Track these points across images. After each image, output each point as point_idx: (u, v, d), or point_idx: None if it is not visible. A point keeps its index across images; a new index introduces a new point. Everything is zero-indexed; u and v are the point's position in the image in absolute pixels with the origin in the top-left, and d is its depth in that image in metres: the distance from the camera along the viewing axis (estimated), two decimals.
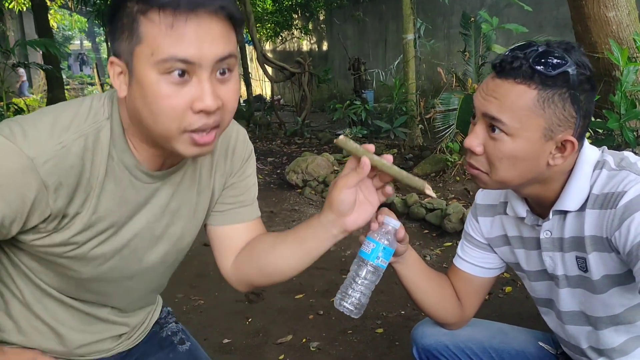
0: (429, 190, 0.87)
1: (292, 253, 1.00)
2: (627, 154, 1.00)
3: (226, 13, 0.78)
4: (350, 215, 0.91)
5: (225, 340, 2.46)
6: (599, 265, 0.98)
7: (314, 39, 12.83)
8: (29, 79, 13.99)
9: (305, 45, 13.05)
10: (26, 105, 8.75)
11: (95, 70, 16.84)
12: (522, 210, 1.07)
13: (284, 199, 4.88)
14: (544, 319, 1.21)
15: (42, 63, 8.15)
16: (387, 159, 0.87)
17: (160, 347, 1.18)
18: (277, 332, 2.51)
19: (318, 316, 2.66)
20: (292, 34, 12.70)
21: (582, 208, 0.98)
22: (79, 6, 13.06)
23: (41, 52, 8.31)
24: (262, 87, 13.18)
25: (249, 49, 10.60)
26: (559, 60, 0.88)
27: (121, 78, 0.81)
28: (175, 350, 1.18)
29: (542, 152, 0.93)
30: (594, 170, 0.98)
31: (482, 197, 1.21)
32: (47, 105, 9.47)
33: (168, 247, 1.01)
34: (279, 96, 12.16)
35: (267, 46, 14.08)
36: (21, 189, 0.78)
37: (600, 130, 3.56)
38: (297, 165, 5.20)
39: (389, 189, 0.91)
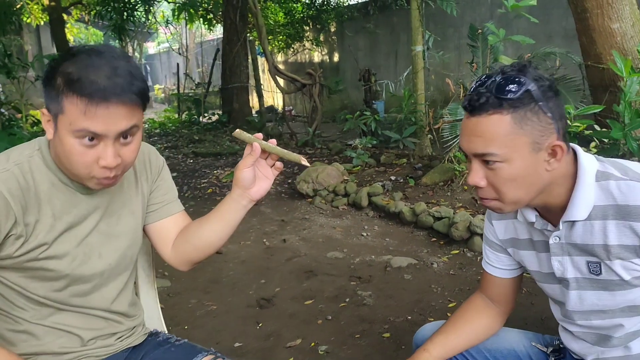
0: (304, 161, 1.14)
1: (216, 227, 1.27)
2: (624, 162, 1.07)
3: (132, 96, 1.01)
4: (253, 188, 1.20)
5: (237, 344, 2.54)
6: (621, 270, 1.04)
7: (325, 50, 12.95)
8: None
9: (317, 57, 13.18)
10: None
11: None
12: (531, 215, 1.13)
13: (295, 208, 4.97)
14: (552, 312, 1.26)
15: None
16: (272, 143, 1.15)
17: (160, 345, 1.34)
18: (287, 336, 2.58)
19: (327, 321, 2.73)
20: (304, 45, 12.84)
21: (589, 217, 1.04)
22: (96, 20, 13.33)
23: None
24: (274, 98, 13.32)
25: (261, 60, 10.75)
26: (517, 83, 0.96)
27: (49, 124, 1.05)
28: (174, 345, 1.34)
29: (538, 163, 1.00)
30: (598, 181, 1.03)
31: None
32: None
33: (121, 242, 1.24)
34: (291, 107, 12.27)
35: (279, 57, 14.23)
36: None
37: (606, 140, 3.60)
38: (308, 175, 5.29)
39: (279, 164, 1.20)
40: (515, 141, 0.98)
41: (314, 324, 2.70)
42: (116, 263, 1.24)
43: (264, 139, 1.16)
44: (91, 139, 1.01)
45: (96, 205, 1.18)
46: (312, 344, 2.50)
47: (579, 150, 1.07)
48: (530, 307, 2.69)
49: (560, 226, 1.08)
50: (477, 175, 1.04)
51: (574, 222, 1.07)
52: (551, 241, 1.11)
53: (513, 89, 0.96)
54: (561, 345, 1.29)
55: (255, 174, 1.19)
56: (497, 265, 1.29)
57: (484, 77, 1.01)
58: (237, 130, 1.15)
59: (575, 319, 1.17)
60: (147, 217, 1.32)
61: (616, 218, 1.02)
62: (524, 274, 1.33)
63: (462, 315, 1.33)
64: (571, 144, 1.07)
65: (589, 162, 1.05)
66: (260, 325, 2.72)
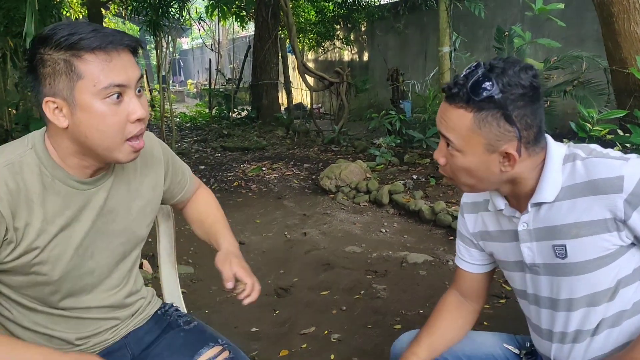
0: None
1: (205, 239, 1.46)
2: (593, 145, 1.11)
3: (132, 43, 1.03)
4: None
5: (254, 329, 2.66)
6: (590, 247, 1.07)
7: (355, 49, 13.01)
8: None
9: (347, 56, 13.25)
10: None
11: (145, 76, 17.53)
12: (500, 203, 1.19)
13: (317, 203, 5.07)
14: (521, 309, 1.31)
15: None
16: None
17: (170, 328, 1.35)
18: (302, 324, 2.69)
19: (341, 311, 2.83)
20: (334, 44, 12.91)
21: (557, 199, 1.09)
22: (132, 15, 13.67)
23: None
24: (303, 95, 13.44)
25: (291, 58, 10.87)
26: (486, 84, 1.01)
27: (57, 112, 1.01)
28: (182, 329, 1.33)
29: (490, 163, 1.06)
30: (565, 163, 1.08)
31: (467, 195, 1.33)
32: None
33: (116, 241, 1.21)
34: (320, 105, 12.37)
35: (310, 56, 14.34)
36: None
37: (628, 145, 3.60)
38: (331, 172, 5.38)
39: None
40: (471, 138, 1.04)
41: (328, 313, 2.81)
42: (112, 262, 1.22)
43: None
44: (117, 96, 1.01)
45: (92, 203, 1.14)
46: (325, 332, 2.60)
47: (550, 139, 1.12)
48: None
49: (529, 208, 1.12)
50: (440, 153, 1.12)
51: (541, 204, 1.11)
52: (519, 228, 1.16)
53: (482, 92, 1.01)
54: (533, 348, 1.32)
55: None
56: (469, 260, 1.34)
57: (474, 65, 1.05)
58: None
59: (541, 305, 1.21)
60: (165, 200, 1.40)
61: (585, 194, 1.06)
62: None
63: (440, 315, 1.37)
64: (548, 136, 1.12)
65: (556, 148, 1.10)
66: (276, 312, 2.84)
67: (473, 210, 1.31)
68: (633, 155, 1.05)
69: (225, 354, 1.26)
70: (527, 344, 1.35)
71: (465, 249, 1.35)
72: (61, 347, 1.19)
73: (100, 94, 0.99)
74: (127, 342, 1.30)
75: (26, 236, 1.05)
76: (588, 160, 1.06)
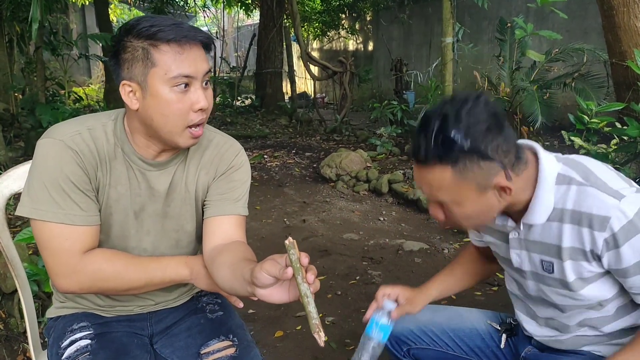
0: (318, 338, 0.89)
1: (226, 278, 1.11)
2: (586, 162, 1.10)
3: (203, 39, 1.10)
4: (264, 290, 0.95)
5: (250, 311, 2.72)
6: (571, 270, 1.11)
7: (360, 39, 13.00)
8: (89, 70, 14.72)
9: (352, 45, 13.24)
10: (85, 94, 9.32)
11: None
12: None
13: (317, 191, 5.13)
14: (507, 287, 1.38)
15: (102, 55, 8.67)
16: (315, 287, 0.90)
17: (194, 313, 1.36)
18: (297, 308, 2.74)
19: (336, 296, 2.90)
20: (339, 33, 12.91)
21: (549, 219, 1.10)
22: (138, 2, 13.68)
23: (101, 45, 8.82)
24: (307, 84, 13.46)
25: (295, 47, 10.89)
26: (452, 139, 0.97)
27: (131, 95, 1.11)
28: (205, 317, 1.35)
29: (489, 199, 1.05)
30: (559, 184, 1.08)
31: None
32: (104, 94, 9.90)
33: (169, 227, 1.27)
34: (324, 94, 12.39)
35: (315, 45, 14.33)
36: (70, 158, 1.12)
37: (625, 138, 3.63)
38: (332, 160, 5.44)
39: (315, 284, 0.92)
40: (460, 188, 1.02)
41: (323, 298, 2.87)
42: (165, 246, 1.27)
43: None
44: (185, 86, 1.08)
45: (153, 183, 1.22)
46: (320, 315, 2.65)
47: (540, 153, 1.10)
48: None
49: (521, 226, 1.15)
50: (436, 212, 1.11)
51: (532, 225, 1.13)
52: (511, 235, 1.19)
53: (448, 145, 0.98)
54: (514, 324, 1.39)
55: (277, 281, 0.95)
56: (480, 239, 1.38)
57: (425, 120, 1.01)
58: (293, 241, 0.89)
59: (531, 299, 1.27)
60: (204, 211, 1.30)
61: (571, 222, 1.07)
62: None
63: (461, 261, 1.49)
64: (532, 144, 1.12)
65: (549, 166, 1.08)
66: None
67: None
68: (633, 190, 1.04)
69: (230, 350, 1.24)
70: (509, 320, 1.42)
71: (473, 233, 1.42)
72: (90, 307, 1.29)
73: (169, 82, 1.07)
74: (150, 316, 1.35)
75: (97, 190, 1.17)
76: (583, 188, 1.06)
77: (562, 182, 1.08)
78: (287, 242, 0.88)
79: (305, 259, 0.88)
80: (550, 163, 1.09)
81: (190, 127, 1.12)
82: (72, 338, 1.22)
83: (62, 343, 1.22)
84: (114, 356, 1.18)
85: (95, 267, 1.14)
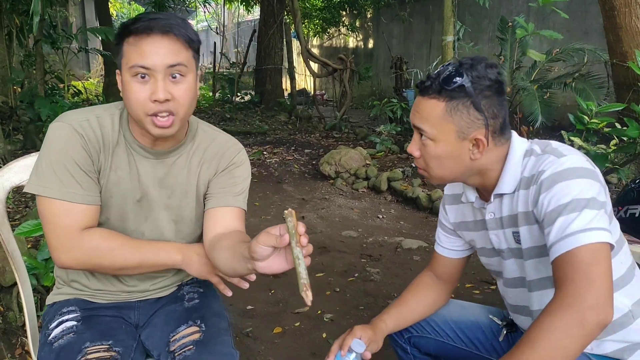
0: (305, 296, 0.92)
1: (226, 260, 1.16)
2: (553, 142, 1.18)
3: (175, 34, 1.13)
4: (262, 262, 0.98)
5: (249, 307, 2.73)
6: (527, 236, 1.17)
7: (361, 36, 12.98)
8: (88, 64, 14.67)
9: (352, 42, 13.22)
10: (84, 88, 9.30)
11: None
12: (472, 195, 1.28)
13: (316, 188, 5.13)
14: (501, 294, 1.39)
15: (102, 49, 8.65)
16: (307, 250, 0.92)
17: (173, 302, 1.39)
18: (296, 304, 2.75)
19: (335, 293, 2.90)
20: (339, 30, 12.89)
21: (516, 189, 1.18)
22: None
23: (100, 39, 8.80)
24: (307, 81, 13.44)
25: (296, 43, 10.87)
26: (457, 78, 1.10)
27: (119, 82, 1.19)
28: (182, 305, 1.37)
29: (462, 150, 1.14)
30: (525, 158, 1.16)
31: (448, 188, 1.42)
32: (103, 88, 9.89)
33: (170, 215, 1.31)
34: (323, 91, 12.39)
35: (315, 41, 14.31)
36: (76, 141, 1.19)
37: (625, 138, 3.63)
38: (331, 157, 5.43)
39: (308, 259, 0.93)
40: (443, 126, 1.13)
41: (322, 294, 2.87)
42: (161, 234, 1.31)
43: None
44: (143, 76, 1.12)
45: (153, 171, 1.27)
46: (319, 312, 2.67)
47: (514, 134, 1.20)
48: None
49: (492, 199, 1.21)
50: (414, 146, 1.19)
51: (502, 195, 1.20)
52: (487, 217, 1.26)
53: (452, 82, 1.10)
54: (515, 321, 1.40)
55: (274, 252, 0.98)
56: (448, 246, 1.43)
57: (445, 64, 1.15)
58: (292, 211, 0.92)
59: (508, 285, 1.30)
60: (205, 203, 1.34)
61: (525, 188, 1.15)
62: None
63: (413, 291, 1.46)
64: (513, 132, 1.20)
65: (519, 142, 1.18)
66: (272, 292, 2.91)
67: (454, 202, 1.39)
68: (582, 158, 1.10)
69: (195, 336, 1.25)
70: (510, 317, 1.43)
71: (445, 236, 1.43)
72: (81, 292, 1.34)
73: (129, 72, 1.13)
74: (138, 305, 1.38)
75: (98, 172, 1.23)
76: (539, 156, 1.14)
77: (527, 155, 1.17)
78: (286, 211, 0.93)
79: (302, 227, 0.91)
80: (520, 140, 1.19)
81: (151, 115, 1.15)
82: (60, 320, 1.28)
83: (51, 325, 1.28)
84: (99, 336, 1.22)
85: (92, 244, 1.19)
